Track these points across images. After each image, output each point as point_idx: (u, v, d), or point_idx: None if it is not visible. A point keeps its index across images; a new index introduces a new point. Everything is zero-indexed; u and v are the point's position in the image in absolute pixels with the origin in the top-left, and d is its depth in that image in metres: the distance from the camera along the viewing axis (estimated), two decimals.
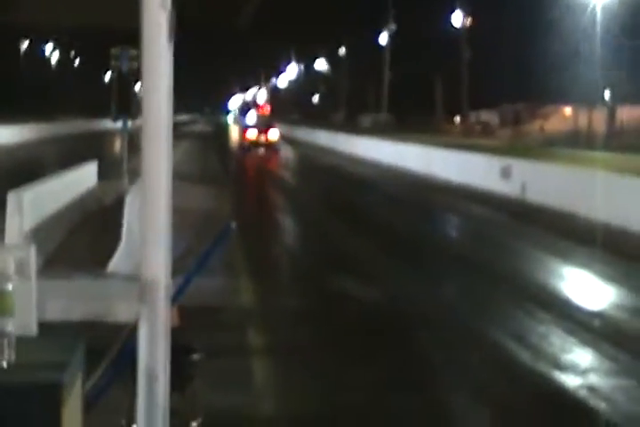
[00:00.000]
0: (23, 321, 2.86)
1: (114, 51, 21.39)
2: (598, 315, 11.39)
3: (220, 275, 11.91)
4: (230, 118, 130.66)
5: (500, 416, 7.56)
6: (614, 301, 12.55)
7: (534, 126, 69.49)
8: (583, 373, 8.77)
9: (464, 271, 14.58)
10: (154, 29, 3.02)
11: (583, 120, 59.61)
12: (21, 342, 2.74)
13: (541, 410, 7.80)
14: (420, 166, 35.64)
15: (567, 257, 16.18)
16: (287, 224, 21.50)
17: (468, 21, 72.42)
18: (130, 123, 22.10)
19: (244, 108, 70.58)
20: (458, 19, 73.13)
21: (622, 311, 11.77)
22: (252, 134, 53.33)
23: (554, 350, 9.66)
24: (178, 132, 60.38)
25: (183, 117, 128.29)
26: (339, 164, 42.56)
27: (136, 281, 3.05)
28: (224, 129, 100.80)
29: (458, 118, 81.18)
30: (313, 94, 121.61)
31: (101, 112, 52.58)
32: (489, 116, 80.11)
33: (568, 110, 69.24)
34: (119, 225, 13.57)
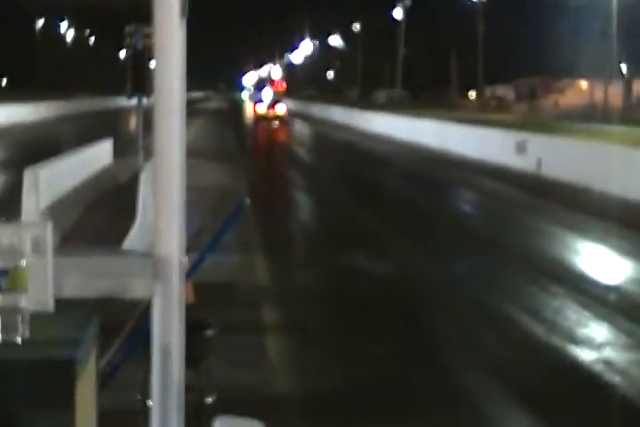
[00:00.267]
0: (40, 298, 2.88)
1: (128, 28, 21.34)
2: (614, 289, 11.37)
3: (235, 252, 11.94)
4: (245, 95, 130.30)
5: (515, 391, 7.56)
6: (630, 275, 12.53)
7: (550, 101, 69.20)
8: (598, 347, 8.77)
9: (478, 246, 14.56)
10: (166, 6, 3.01)
11: (599, 94, 59.26)
12: (36, 318, 2.76)
13: (556, 384, 7.81)
14: (434, 142, 35.55)
15: (583, 232, 16.14)
16: (302, 200, 21.51)
17: None
18: (145, 100, 22.10)
19: (260, 85, 70.55)
20: None
21: (638, 286, 11.76)
22: (261, 109, 60.81)
23: (569, 324, 9.65)
24: (192, 109, 60.53)
25: (197, 94, 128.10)
26: (354, 140, 42.48)
27: (151, 258, 3.06)
28: (239, 106, 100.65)
29: (473, 93, 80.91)
30: (327, 70, 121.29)
31: (117, 90, 52.72)
32: (504, 91, 79.89)
33: (584, 84, 68.93)
34: (134, 202, 13.60)
